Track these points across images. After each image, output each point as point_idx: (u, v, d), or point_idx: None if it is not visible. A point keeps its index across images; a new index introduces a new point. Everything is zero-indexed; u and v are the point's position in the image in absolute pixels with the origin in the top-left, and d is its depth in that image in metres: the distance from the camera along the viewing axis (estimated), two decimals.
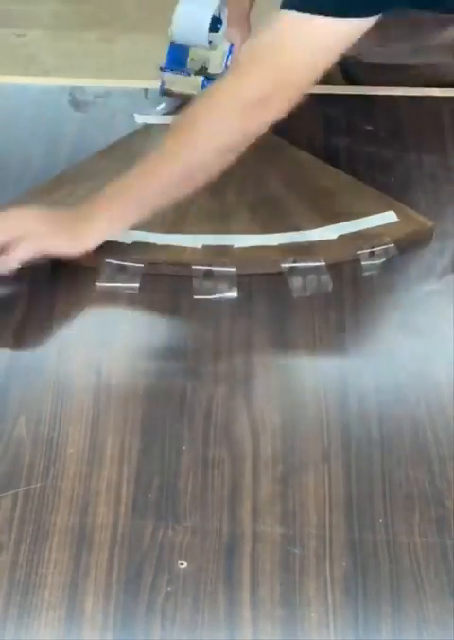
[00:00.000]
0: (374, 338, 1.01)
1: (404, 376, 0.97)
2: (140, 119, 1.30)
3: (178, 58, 1.31)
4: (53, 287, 1.05)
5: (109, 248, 1.05)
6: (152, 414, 0.91)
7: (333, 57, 1.01)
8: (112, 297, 1.05)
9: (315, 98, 1.39)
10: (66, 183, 1.18)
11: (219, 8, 1.26)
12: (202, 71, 1.31)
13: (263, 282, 1.07)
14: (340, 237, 1.09)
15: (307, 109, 1.34)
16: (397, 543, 0.81)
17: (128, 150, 1.23)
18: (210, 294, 1.03)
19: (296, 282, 1.04)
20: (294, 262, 1.06)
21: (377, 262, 1.07)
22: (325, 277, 1.04)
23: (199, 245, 1.08)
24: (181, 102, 1.27)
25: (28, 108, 1.33)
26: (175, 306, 1.03)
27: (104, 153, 1.24)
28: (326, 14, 0.97)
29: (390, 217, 1.12)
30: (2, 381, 0.94)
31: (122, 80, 1.42)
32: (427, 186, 1.21)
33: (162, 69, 1.31)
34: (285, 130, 1.28)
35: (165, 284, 1.06)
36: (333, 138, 1.28)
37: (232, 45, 1.28)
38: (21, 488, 0.84)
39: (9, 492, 0.84)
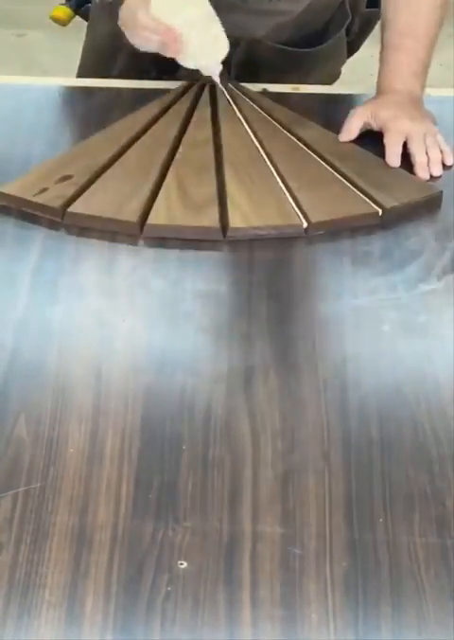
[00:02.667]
0: (374, 338, 1.01)
1: (404, 376, 0.97)
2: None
3: None
4: (53, 286, 1.05)
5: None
6: (152, 414, 0.91)
7: None
8: (112, 296, 1.05)
9: (315, 98, 1.40)
10: (65, 162, 1.20)
11: None
12: None
13: (263, 281, 1.07)
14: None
15: (308, 109, 1.35)
16: (397, 543, 0.81)
17: (126, 128, 1.25)
18: None
19: None
20: None
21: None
22: None
23: None
24: None
25: (28, 108, 1.33)
26: (175, 305, 1.04)
27: (103, 133, 1.26)
28: None
29: None
30: (2, 380, 0.94)
31: (122, 79, 1.42)
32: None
33: None
34: None
35: (166, 283, 1.06)
36: None
37: None
38: (21, 488, 0.84)
39: (9, 492, 0.84)
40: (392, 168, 1.21)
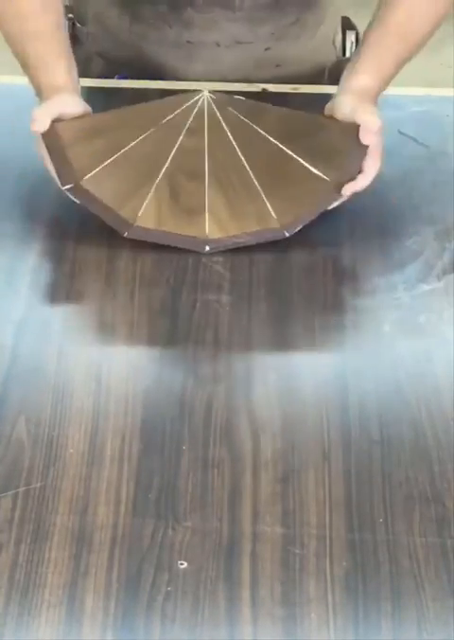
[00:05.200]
0: (374, 338, 1.01)
1: (404, 376, 0.97)
2: None
3: None
4: (53, 287, 1.05)
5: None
6: (152, 414, 0.91)
7: None
8: (112, 297, 1.05)
9: (315, 98, 1.40)
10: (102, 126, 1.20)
11: None
12: None
13: (263, 282, 1.07)
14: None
15: (308, 109, 1.35)
16: (397, 543, 0.81)
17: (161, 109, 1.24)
18: None
19: None
20: None
21: None
22: None
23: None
24: None
25: (28, 108, 1.33)
26: (175, 305, 1.04)
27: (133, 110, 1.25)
28: None
29: None
30: (2, 381, 0.94)
31: (122, 79, 1.42)
32: (426, 184, 1.22)
33: None
34: None
35: (166, 283, 1.06)
36: None
37: None
38: (21, 489, 0.84)
39: (9, 492, 0.84)
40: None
